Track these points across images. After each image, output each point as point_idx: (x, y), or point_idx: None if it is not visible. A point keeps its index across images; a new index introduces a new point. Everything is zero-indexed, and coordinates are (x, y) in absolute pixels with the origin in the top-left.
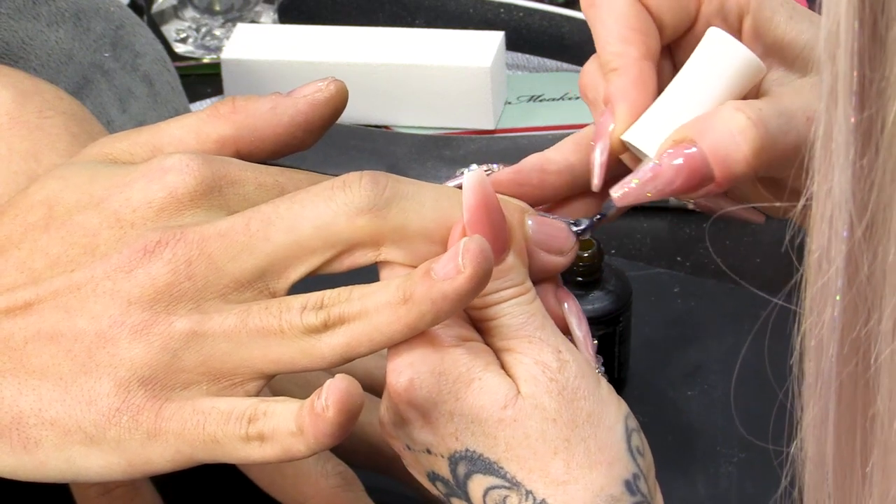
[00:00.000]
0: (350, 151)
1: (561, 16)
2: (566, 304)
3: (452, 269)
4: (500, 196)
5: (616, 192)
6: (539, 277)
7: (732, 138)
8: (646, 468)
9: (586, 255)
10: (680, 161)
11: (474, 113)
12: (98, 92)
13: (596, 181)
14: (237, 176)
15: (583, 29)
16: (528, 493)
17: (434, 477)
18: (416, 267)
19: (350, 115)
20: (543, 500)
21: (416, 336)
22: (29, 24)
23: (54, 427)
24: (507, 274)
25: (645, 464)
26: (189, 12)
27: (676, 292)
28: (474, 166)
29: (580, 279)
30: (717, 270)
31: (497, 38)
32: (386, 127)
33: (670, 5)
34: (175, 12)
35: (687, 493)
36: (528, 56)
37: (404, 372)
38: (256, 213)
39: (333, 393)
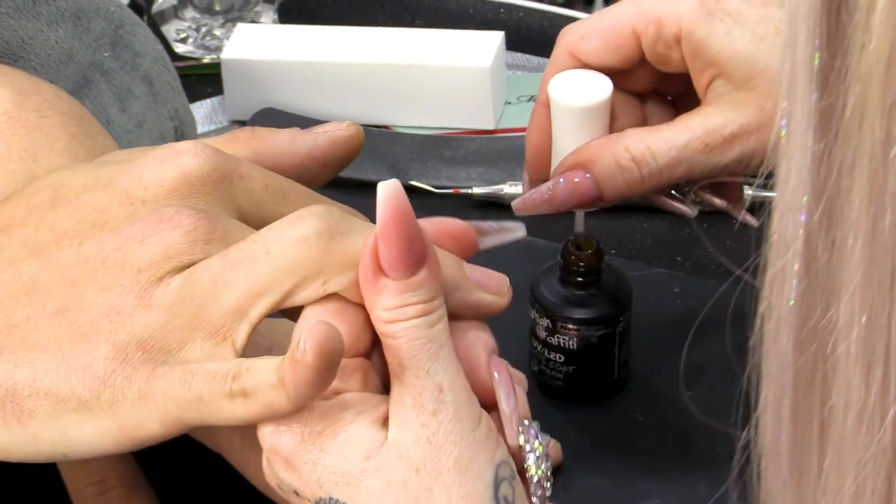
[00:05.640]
0: None
1: (561, 16)
2: (496, 374)
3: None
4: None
5: (516, 203)
6: (471, 316)
7: (618, 170)
8: None
9: (586, 255)
10: (572, 185)
11: (474, 113)
12: (98, 91)
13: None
14: (247, 172)
15: None
16: None
17: None
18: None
19: (350, 115)
20: None
21: None
22: (29, 23)
23: (48, 397)
24: (415, 289)
25: None
26: (189, 12)
27: (676, 292)
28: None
29: (580, 279)
30: (717, 270)
31: (497, 38)
32: (386, 127)
33: (606, 52)
34: (175, 12)
35: (687, 493)
36: (528, 56)
37: (273, 420)
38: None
39: (311, 337)
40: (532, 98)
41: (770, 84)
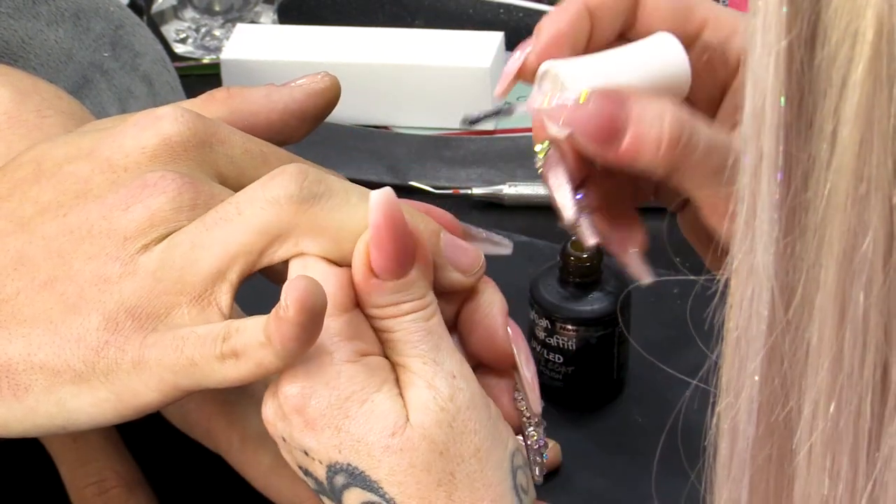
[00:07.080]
0: (350, 152)
1: None
2: (515, 338)
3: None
4: (413, 212)
5: (533, 103)
6: (443, 292)
7: (659, 119)
8: None
9: (586, 255)
10: (603, 107)
11: (474, 113)
12: (97, 92)
13: (498, 89)
14: (226, 137)
15: None
16: None
17: (306, 472)
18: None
19: (350, 115)
20: None
21: (317, 345)
22: (28, 23)
23: (43, 370)
24: (408, 288)
25: (528, 501)
26: (189, 12)
27: (676, 293)
28: (389, 189)
29: (579, 279)
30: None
31: (497, 38)
32: (386, 127)
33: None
34: (175, 12)
35: (687, 494)
36: None
37: (299, 379)
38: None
39: (292, 292)
40: None
41: None
